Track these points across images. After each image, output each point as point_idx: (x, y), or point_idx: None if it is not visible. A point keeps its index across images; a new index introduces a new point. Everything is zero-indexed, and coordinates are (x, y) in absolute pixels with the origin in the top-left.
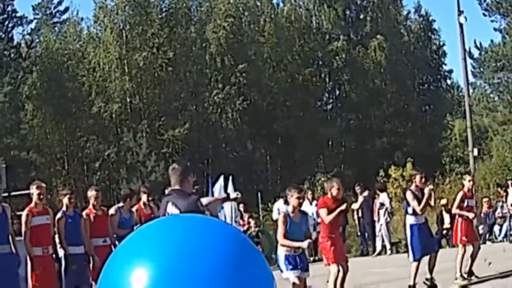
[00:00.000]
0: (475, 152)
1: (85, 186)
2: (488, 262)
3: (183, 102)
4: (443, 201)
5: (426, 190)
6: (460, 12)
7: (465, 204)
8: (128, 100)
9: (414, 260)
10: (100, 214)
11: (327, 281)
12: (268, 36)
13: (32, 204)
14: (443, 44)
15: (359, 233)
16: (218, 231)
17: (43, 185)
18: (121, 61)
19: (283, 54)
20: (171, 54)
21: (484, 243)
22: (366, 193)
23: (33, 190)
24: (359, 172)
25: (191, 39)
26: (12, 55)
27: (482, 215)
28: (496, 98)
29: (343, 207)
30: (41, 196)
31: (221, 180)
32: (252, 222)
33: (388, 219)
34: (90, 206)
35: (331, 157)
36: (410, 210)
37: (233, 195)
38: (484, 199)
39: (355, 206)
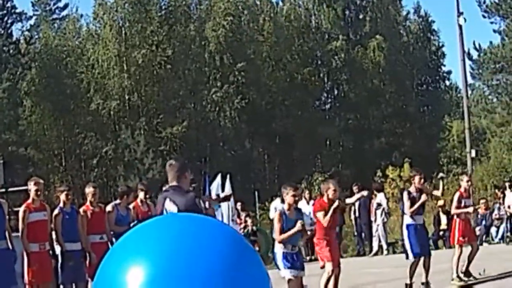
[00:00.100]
0: (473, 153)
1: (83, 183)
2: (482, 269)
3: (181, 100)
4: (440, 202)
5: (423, 197)
6: (459, 13)
7: (462, 204)
8: (127, 97)
9: (414, 257)
10: (97, 211)
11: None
12: (267, 35)
13: (30, 200)
14: (442, 45)
15: (355, 233)
16: (215, 230)
17: (41, 181)
18: (120, 58)
19: (282, 53)
20: (170, 52)
21: (481, 244)
22: (365, 193)
23: (31, 186)
24: (356, 172)
25: (190, 37)
26: (11, 51)
27: (479, 216)
28: (495, 100)
29: (336, 204)
30: (39, 192)
31: (218, 179)
32: (249, 221)
33: (385, 220)
34: (88, 203)
35: (329, 156)
36: (406, 211)
37: (222, 195)
38: (481, 201)
39: (349, 200)
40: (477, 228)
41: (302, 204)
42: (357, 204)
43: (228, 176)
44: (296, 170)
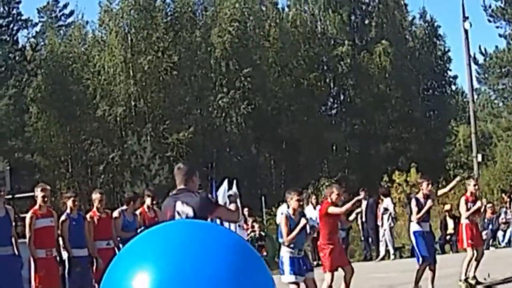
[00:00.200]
0: (479, 158)
1: (89, 189)
2: (487, 274)
3: (187, 106)
4: (447, 207)
5: (429, 202)
6: (465, 18)
7: (468, 207)
8: (133, 103)
9: (423, 261)
10: (104, 217)
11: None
12: (273, 40)
13: (36, 207)
14: (448, 50)
15: (362, 238)
16: (221, 237)
17: (48, 187)
18: (126, 64)
19: (288, 58)
20: (176, 58)
21: (488, 248)
22: (361, 195)
23: (38, 193)
24: (363, 177)
25: (196, 43)
26: (17, 58)
27: (485, 220)
28: (501, 104)
29: (361, 196)
30: (46, 199)
31: (225, 184)
32: (256, 226)
33: (392, 224)
34: (94, 209)
35: (335, 161)
36: (413, 218)
37: (229, 193)
38: (488, 205)
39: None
40: (484, 232)
41: (308, 209)
42: (364, 208)
43: (234, 181)
44: (302, 175)
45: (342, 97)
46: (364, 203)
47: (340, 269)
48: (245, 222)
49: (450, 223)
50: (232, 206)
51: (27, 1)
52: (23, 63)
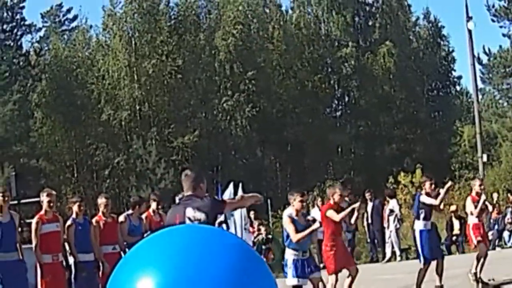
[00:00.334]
0: (484, 158)
1: (95, 194)
2: (492, 278)
3: (192, 109)
4: (453, 207)
5: (444, 188)
6: (468, 18)
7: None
8: (138, 107)
9: (424, 263)
10: (110, 222)
11: None
12: (277, 43)
13: (42, 212)
14: (452, 50)
15: (368, 240)
16: (224, 241)
17: (53, 192)
18: (130, 68)
19: (292, 61)
20: (180, 61)
21: (494, 249)
22: (356, 205)
23: (43, 198)
24: (368, 179)
25: (200, 46)
26: (21, 63)
27: (491, 221)
28: (505, 104)
29: (356, 205)
30: (51, 204)
31: (230, 187)
32: (263, 229)
33: (398, 226)
34: (100, 214)
35: (340, 163)
36: (422, 215)
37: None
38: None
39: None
40: (490, 233)
41: (314, 212)
42: (369, 210)
43: (240, 184)
44: (308, 178)
45: (346, 99)
46: (370, 204)
47: (344, 270)
48: (251, 225)
49: (456, 224)
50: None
51: (30, 6)
52: (27, 68)
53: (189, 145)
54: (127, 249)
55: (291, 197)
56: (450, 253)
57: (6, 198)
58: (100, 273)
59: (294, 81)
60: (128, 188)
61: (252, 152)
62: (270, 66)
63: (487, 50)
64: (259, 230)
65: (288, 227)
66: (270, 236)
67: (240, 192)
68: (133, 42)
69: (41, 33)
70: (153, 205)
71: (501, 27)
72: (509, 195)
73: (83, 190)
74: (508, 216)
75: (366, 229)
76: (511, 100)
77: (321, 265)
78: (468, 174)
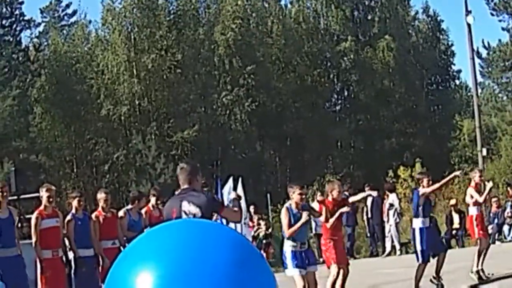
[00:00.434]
0: (484, 152)
1: (95, 189)
2: (491, 274)
3: (191, 104)
4: (452, 201)
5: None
6: (468, 12)
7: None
8: (137, 102)
9: (422, 261)
10: (110, 216)
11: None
12: (276, 37)
13: (42, 207)
14: (452, 44)
15: (368, 234)
16: (222, 235)
17: (53, 187)
18: (130, 63)
19: (291, 55)
20: (180, 56)
21: (494, 243)
22: (374, 193)
23: (43, 193)
24: (368, 173)
25: (199, 41)
26: (20, 58)
27: (491, 214)
28: (505, 98)
29: (344, 209)
30: (51, 199)
31: (230, 182)
32: (263, 224)
33: (398, 220)
34: (100, 209)
35: (340, 158)
36: (420, 213)
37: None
38: (493, 199)
39: (354, 198)
40: (490, 227)
41: (314, 206)
42: (369, 205)
43: (240, 179)
44: (307, 172)
45: (346, 93)
46: (369, 199)
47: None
48: (251, 219)
49: (456, 218)
50: (234, 208)
51: (29, 1)
52: (27, 64)
53: (188, 140)
54: (126, 244)
55: (290, 190)
56: (450, 247)
57: (5, 194)
58: (100, 268)
59: (294, 76)
60: (128, 183)
61: (251, 147)
62: (269, 60)
63: (486, 44)
64: (258, 224)
65: (283, 220)
66: (270, 231)
67: (240, 187)
68: (133, 37)
69: (40, 28)
70: (153, 200)
71: (500, 21)
72: (508, 189)
73: (82, 185)
74: (508, 210)
75: (366, 223)
76: (511, 94)
77: (321, 260)
78: (467, 168)
